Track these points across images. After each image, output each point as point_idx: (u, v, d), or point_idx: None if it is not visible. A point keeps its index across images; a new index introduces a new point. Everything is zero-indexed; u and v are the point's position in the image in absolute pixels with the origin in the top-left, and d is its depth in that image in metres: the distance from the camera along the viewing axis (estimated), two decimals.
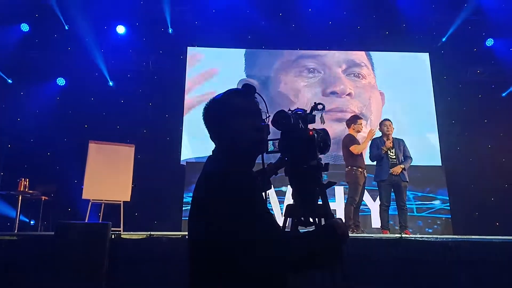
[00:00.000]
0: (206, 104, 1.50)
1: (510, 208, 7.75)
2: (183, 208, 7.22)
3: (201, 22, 8.81)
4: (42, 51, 8.47)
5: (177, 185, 7.57)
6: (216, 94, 1.51)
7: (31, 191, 6.51)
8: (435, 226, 7.27)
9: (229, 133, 1.41)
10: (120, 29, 8.65)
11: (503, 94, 8.94)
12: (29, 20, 8.44)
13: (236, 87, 1.53)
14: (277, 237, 1.27)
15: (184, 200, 7.28)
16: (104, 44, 8.46)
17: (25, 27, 8.36)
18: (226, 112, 1.42)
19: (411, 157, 5.94)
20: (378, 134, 6.09)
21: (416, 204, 7.38)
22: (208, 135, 1.49)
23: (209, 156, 1.48)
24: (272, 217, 1.34)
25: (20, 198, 6.36)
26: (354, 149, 5.77)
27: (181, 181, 7.43)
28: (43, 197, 6.87)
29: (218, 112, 1.44)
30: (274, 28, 8.69)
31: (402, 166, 5.73)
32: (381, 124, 6.02)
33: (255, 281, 1.25)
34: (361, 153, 5.89)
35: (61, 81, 8.59)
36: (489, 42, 8.87)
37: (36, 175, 7.06)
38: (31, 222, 7.28)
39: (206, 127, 1.49)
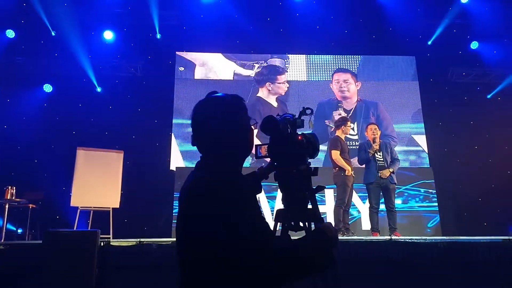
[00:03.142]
0: (194, 108, 1.48)
1: (497, 208, 7.87)
2: (173, 215, 7.18)
3: (189, 27, 8.81)
4: (28, 57, 8.39)
5: (166, 191, 7.52)
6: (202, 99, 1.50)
7: (18, 199, 6.41)
8: (428, 230, 7.33)
9: (218, 137, 1.41)
10: (108, 35, 8.61)
11: (488, 96, 9.10)
12: (15, 26, 8.35)
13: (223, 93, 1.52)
14: (268, 245, 1.27)
15: (174, 206, 7.23)
16: (92, 50, 8.40)
17: (11, 33, 8.27)
18: (215, 116, 1.42)
19: (398, 159, 6.01)
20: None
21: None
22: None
23: (198, 162, 1.46)
24: (265, 223, 1.34)
25: (6, 206, 6.26)
26: (334, 153, 5.83)
27: (171, 187, 7.39)
28: (31, 205, 6.77)
29: (207, 116, 1.43)
30: (262, 33, 8.74)
31: (391, 169, 5.77)
32: (367, 128, 6.08)
33: (244, 286, 1.25)
34: (348, 155, 5.96)
35: (48, 88, 8.50)
36: (474, 45, 9.03)
37: (23, 183, 6.97)
38: (19, 231, 7.16)
39: (194, 130, 1.47)
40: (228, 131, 1.41)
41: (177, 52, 8.99)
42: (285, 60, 9.14)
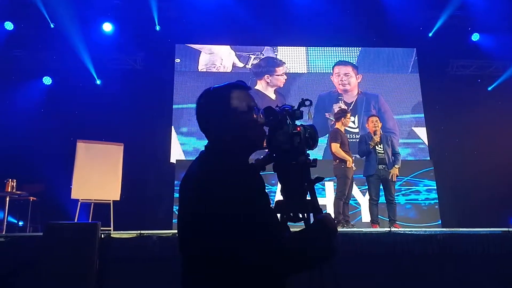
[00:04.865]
0: (198, 99, 1.45)
1: (496, 201, 7.87)
2: (174, 207, 7.19)
3: (189, 19, 8.76)
4: (27, 50, 8.37)
5: (167, 184, 7.54)
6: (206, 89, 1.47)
7: (18, 192, 6.43)
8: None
9: (222, 128, 1.39)
10: (107, 27, 8.57)
11: (489, 88, 9.07)
12: (13, 18, 8.30)
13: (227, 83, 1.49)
14: (275, 238, 1.26)
15: (174, 198, 7.24)
16: (91, 42, 8.36)
17: (9, 26, 8.23)
18: (230, 105, 1.39)
19: (399, 153, 6.01)
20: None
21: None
22: (197, 133, 1.46)
23: (202, 152, 1.44)
24: (273, 215, 1.33)
25: (7, 199, 6.28)
26: (334, 146, 5.83)
27: (171, 180, 7.40)
28: (31, 198, 6.79)
29: (220, 104, 1.40)
30: (262, 25, 8.68)
31: (397, 166, 5.79)
32: (368, 120, 6.08)
33: (247, 280, 1.24)
34: (348, 147, 5.95)
35: (47, 80, 8.49)
36: (475, 37, 8.98)
37: (24, 176, 6.97)
38: (20, 223, 7.19)
39: (202, 119, 1.43)
40: (230, 122, 1.38)
41: (176, 44, 8.96)
42: (275, 49, 9.09)
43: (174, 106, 8.52)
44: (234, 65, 9.00)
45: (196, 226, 1.28)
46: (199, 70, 8.89)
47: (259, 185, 1.37)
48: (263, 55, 9.05)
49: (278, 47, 9.13)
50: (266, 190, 1.36)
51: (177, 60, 8.88)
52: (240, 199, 1.24)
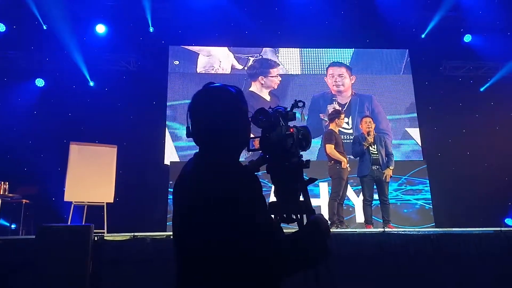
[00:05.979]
0: (193, 98, 1.43)
1: (489, 201, 7.93)
2: (168, 209, 7.17)
3: (182, 20, 8.75)
4: (19, 51, 8.31)
5: (161, 186, 7.51)
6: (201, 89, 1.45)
7: (11, 195, 6.40)
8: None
9: (218, 128, 1.37)
10: (100, 28, 8.53)
11: (481, 89, 9.14)
12: (5, 19, 8.26)
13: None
14: (272, 238, 1.25)
15: (169, 200, 7.23)
16: (84, 44, 8.32)
17: (1, 27, 8.18)
18: (215, 106, 1.38)
19: (392, 153, 6.03)
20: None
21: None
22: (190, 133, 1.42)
23: (197, 153, 1.42)
24: (269, 216, 1.33)
25: (0, 201, 6.23)
26: (329, 147, 5.84)
27: (165, 182, 7.37)
28: (24, 200, 6.75)
29: (207, 106, 1.39)
30: (256, 26, 8.70)
31: (391, 168, 5.82)
32: (361, 121, 6.10)
33: (244, 282, 1.24)
34: (343, 148, 5.97)
35: (40, 82, 8.44)
36: (467, 38, 9.05)
37: (17, 178, 6.93)
38: (12, 226, 7.13)
39: (192, 121, 1.41)
40: (228, 123, 1.37)
41: (170, 46, 8.95)
42: (276, 51, 9.11)
43: (167, 108, 8.50)
44: (233, 67, 8.99)
45: (192, 227, 1.27)
46: (198, 72, 8.89)
47: (257, 186, 1.37)
48: (261, 56, 9.06)
49: (280, 48, 9.12)
50: (264, 191, 1.36)
51: (176, 62, 8.87)
52: (238, 199, 1.23)
